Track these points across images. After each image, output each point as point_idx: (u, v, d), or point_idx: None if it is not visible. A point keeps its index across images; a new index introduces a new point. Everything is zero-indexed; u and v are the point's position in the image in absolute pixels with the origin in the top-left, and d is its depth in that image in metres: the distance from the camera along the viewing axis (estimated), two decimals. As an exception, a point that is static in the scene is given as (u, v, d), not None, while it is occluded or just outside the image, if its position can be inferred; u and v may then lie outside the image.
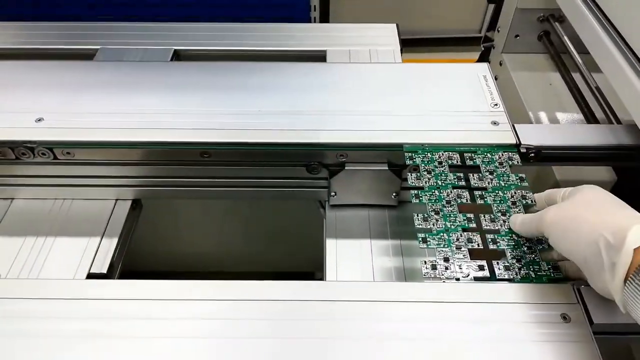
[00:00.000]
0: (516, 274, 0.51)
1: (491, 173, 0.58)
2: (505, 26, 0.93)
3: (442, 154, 0.59)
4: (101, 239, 0.65)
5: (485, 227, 0.54)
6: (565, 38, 0.84)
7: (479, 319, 0.48)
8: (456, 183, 0.57)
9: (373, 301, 0.50)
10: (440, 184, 0.57)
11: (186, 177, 0.66)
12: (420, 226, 0.54)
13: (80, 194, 0.68)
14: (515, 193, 0.57)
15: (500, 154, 0.60)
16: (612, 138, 0.64)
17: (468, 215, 0.55)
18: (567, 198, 0.50)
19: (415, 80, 0.70)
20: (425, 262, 0.52)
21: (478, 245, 0.53)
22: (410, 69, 0.72)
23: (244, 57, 0.86)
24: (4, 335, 0.49)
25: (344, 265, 0.61)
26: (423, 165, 0.58)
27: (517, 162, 0.59)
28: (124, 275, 0.65)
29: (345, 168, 0.62)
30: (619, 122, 0.72)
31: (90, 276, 0.61)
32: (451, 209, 0.55)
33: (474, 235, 0.53)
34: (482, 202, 0.56)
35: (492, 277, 0.51)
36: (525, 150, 0.60)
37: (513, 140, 0.60)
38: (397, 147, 0.60)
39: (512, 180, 0.57)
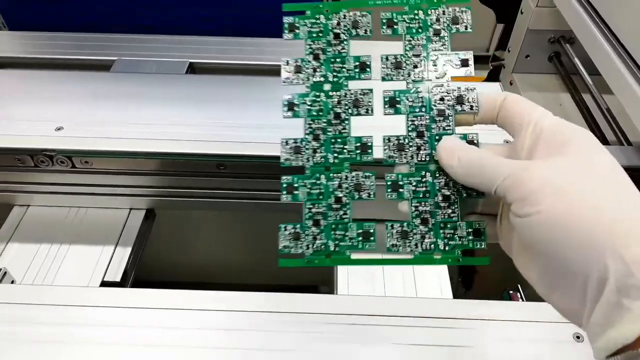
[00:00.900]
0: (415, 245, 0.35)
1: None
2: (516, 46, 0.94)
3: None
4: (115, 247, 0.66)
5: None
6: (576, 59, 0.85)
7: (490, 338, 0.48)
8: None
9: (386, 316, 0.50)
10: None
11: (201, 188, 0.67)
12: None
13: (95, 203, 0.69)
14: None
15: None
16: (623, 159, 0.64)
17: None
18: (554, 146, 0.30)
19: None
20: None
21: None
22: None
23: (259, 72, 0.87)
24: (17, 341, 0.50)
25: (354, 279, 0.61)
26: None
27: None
28: (135, 285, 0.66)
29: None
30: (629, 143, 0.72)
31: (104, 284, 0.62)
32: None
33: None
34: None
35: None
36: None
37: (526, 160, 0.61)
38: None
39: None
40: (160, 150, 0.62)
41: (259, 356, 0.49)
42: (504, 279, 0.59)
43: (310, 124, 0.36)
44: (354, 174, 0.35)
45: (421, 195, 0.35)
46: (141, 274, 0.68)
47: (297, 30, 0.37)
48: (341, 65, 0.36)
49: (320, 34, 0.37)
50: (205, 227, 0.89)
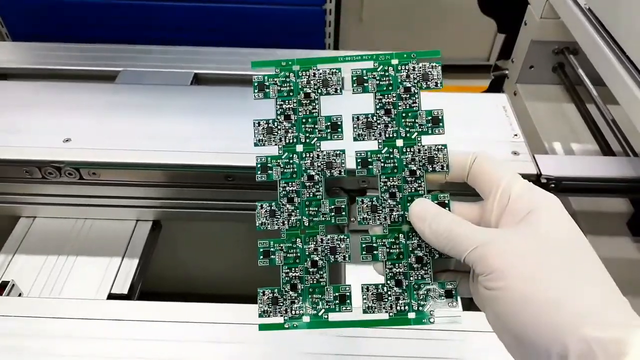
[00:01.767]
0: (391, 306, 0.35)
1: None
2: (519, 57, 0.95)
3: None
4: (122, 259, 0.65)
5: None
6: (580, 70, 0.86)
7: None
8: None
9: (395, 329, 0.50)
10: None
11: (208, 200, 0.67)
12: None
13: (102, 214, 0.69)
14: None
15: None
16: (630, 170, 0.64)
17: None
18: (519, 215, 0.31)
19: (435, 107, 0.71)
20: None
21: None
22: (429, 97, 0.74)
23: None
24: (25, 354, 0.50)
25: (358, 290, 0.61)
26: None
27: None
28: (141, 297, 0.65)
29: (367, 194, 0.62)
30: (635, 154, 0.72)
31: (111, 296, 0.62)
32: None
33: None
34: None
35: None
36: (545, 181, 0.61)
37: (534, 171, 0.61)
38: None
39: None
40: (168, 161, 0.62)
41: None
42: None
43: (284, 186, 0.36)
44: (329, 237, 0.36)
45: (395, 257, 0.35)
46: (146, 285, 0.67)
47: (267, 90, 0.37)
48: (313, 126, 0.37)
49: (291, 93, 0.37)
50: (210, 238, 0.88)
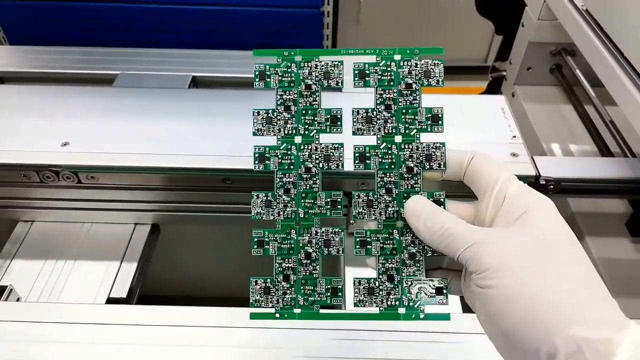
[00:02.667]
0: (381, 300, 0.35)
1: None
2: (517, 59, 0.95)
3: None
4: (121, 263, 0.65)
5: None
6: (578, 71, 0.86)
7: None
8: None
9: (395, 331, 0.50)
10: None
11: (206, 203, 0.67)
12: None
13: (100, 218, 0.69)
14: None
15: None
16: (628, 171, 0.64)
17: None
18: (514, 215, 0.32)
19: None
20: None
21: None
22: (428, 99, 0.74)
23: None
24: (23, 359, 0.49)
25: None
26: None
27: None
28: (139, 300, 0.65)
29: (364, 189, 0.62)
30: (633, 155, 0.72)
31: (110, 300, 0.61)
32: None
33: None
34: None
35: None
36: (544, 182, 0.61)
37: (533, 172, 0.61)
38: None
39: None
40: (166, 165, 0.62)
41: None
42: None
43: (281, 177, 0.36)
44: (323, 229, 0.36)
45: (388, 252, 0.35)
46: (144, 289, 0.67)
47: (267, 79, 0.37)
48: (312, 118, 0.36)
49: (292, 84, 0.37)
50: (210, 242, 0.88)
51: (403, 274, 0.35)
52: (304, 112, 0.37)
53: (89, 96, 0.73)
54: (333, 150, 0.36)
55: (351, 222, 0.65)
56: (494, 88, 1.10)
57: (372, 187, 0.36)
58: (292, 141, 0.36)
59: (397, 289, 0.35)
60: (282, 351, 0.50)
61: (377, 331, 0.51)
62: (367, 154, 0.36)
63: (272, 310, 0.35)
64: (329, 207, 0.36)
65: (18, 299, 0.59)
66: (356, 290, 0.35)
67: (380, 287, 0.35)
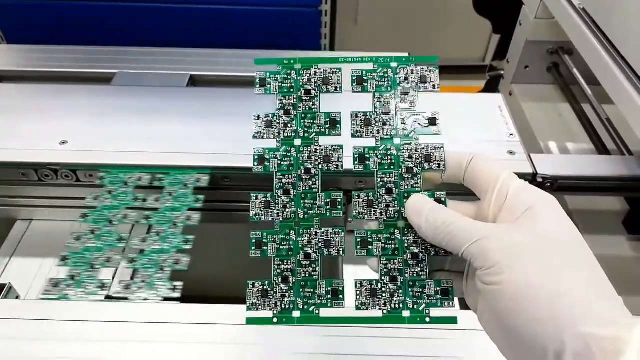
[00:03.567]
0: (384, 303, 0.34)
1: None
2: (514, 57, 0.95)
3: None
4: (119, 261, 0.65)
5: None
6: (575, 70, 0.86)
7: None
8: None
9: (395, 328, 0.50)
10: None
11: (204, 201, 0.67)
12: None
13: (99, 216, 0.69)
14: None
15: None
16: (625, 169, 0.65)
17: None
18: (518, 212, 0.31)
19: (431, 109, 0.71)
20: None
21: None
22: (425, 97, 0.74)
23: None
24: (22, 357, 0.50)
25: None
26: None
27: None
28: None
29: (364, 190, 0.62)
30: (630, 153, 0.73)
31: (109, 298, 0.61)
32: None
33: None
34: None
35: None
36: (541, 180, 0.61)
37: (530, 170, 0.61)
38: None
39: None
40: (164, 163, 0.62)
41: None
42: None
43: (280, 178, 0.36)
44: (323, 230, 0.35)
45: (390, 253, 0.35)
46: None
47: (268, 85, 0.38)
48: (312, 121, 0.37)
49: (292, 90, 0.37)
50: (209, 240, 0.88)
51: (406, 275, 0.34)
52: (303, 115, 0.37)
53: (87, 95, 0.73)
54: (332, 152, 0.36)
55: (349, 220, 0.65)
56: (491, 87, 1.10)
57: (371, 184, 0.36)
58: (292, 143, 0.36)
59: (400, 291, 0.34)
60: (280, 347, 0.50)
61: (373, 327, 0.52)
62: (367, 155, 0.36)
63: (270, 315, 0.34)
64: (328, 207, 0.35)
65: (17, 297, 0.59)
66: (358, 292, 0.34)
67: (383, 289, 0.34)
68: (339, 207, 0.36)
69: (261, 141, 0.36)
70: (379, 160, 0.36)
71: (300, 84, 0.37)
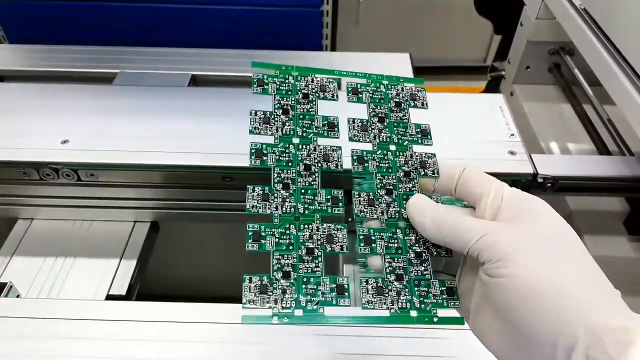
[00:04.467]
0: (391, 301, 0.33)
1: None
2: (516, 58, 0.95)
3: None
4: (120, 260, 0.65)
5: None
6: (576, 70, 0.86)
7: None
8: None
9: (396, 327, 0.50)
10: None
11: (206, 201, 0.67)
12: None
13: (100, 216, 0.69)
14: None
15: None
16: (626, 169, 0.65)
17: None
18: (516, 214, 0.32)
19: (433, 109, 0.71)
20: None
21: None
22: (427, 98, 0.74)
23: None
24: (23, 355, 0.50)
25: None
26: None
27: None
28: (138, 298, 0.65)
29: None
30: (631, 153, 0.73)
31: (109, 298, 0.62)
32: None
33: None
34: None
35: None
36: (542, 180, 0.61)
37: (530, 170, 0.61)
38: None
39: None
40: (166, 162, 0.62)
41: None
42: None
43: (279, 172, 0.35)
44: (325, 225, 0.34)
45: (393, 251, 0.34)
46: (143, 287, 0.67)
47: (266, 86, 0.38)
48: (310, 123, 0.37)
49: (289, 92, 0.38)
50: (210, 240, 0.88)
51: (411, 274, 0.33)
52: (301, 116, 0.37)
53: (88, 94, 0.73)
54: (332, 152, 0.36)
55: (349, 219, 0.65)
56: (492, 87, 1.10)
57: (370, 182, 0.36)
58: (290, 140, 0.36)
59: (406, 290, 0.33)
60: (281, 345, 0.50)
61: (374, 327, 0.52)
62: (365, 157, 0.36)
63: (270, 313, 0.31)
64: (329, 204, 0.35)
65: (18, 296, 0.59)
66: (364, 290, 0.32)
67: (390, 287, 0.33)
68: (340, 204, 0.35)
69: (258, 136, 0.36)
70: (377, 163, 0.36)
71: (298, 88, 0.38)
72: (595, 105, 0.80)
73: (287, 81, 0.38)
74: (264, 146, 0.36)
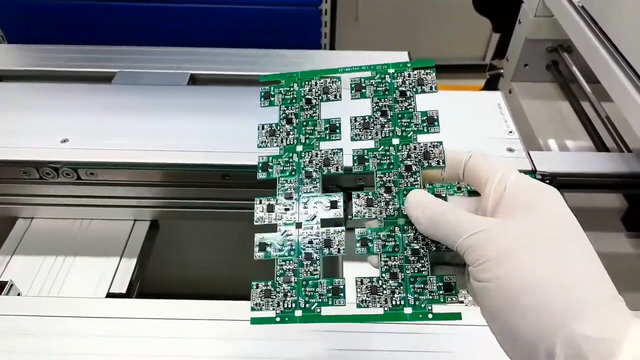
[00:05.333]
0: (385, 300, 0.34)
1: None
2: (514, 55, 0.95)
3: None
4: (120, 258, 0.66)
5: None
6: (574, 68, 0.86)
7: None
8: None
9: (397, 323, 0.51)
10: None
11: (205, 199, 0.67)
12: None
13: (99, 214, 0.69)
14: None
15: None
16: (624, 166, 0.65)
17: None
18: (516, 204, 0.30)
19: (432, 107, 0.71)
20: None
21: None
22: (425, 96, 0.74)
23: (259, 82, 0.88)
24: (24, 352, 0.50)
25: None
26: None
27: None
28: (139, 296, 0.66)
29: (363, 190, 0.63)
30: (629, 150, 0.73)
31: (110, 296, 0.62)
32: None
33: None
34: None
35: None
36: (540, 177, 0.61)
37: (529, 167, 0.61)
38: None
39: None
40: (165, 161, 0.62)
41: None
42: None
43: (283, 183, 0.38)
44: (324, 229, 0.36)
45: (390, 250, 0.35)
46: (143, 286, 0.68)
47: (272, 98, 0.40)
48: (313, 128, 0.39)
49: (294, 100, 0.40)
50: (210, 238, 0.89)
51: (407, 272, 0.34)
52: (304, 123, 0.39)
53: (88, 93, 0.74)
54: (332, 155, 0.38)
55: (349, 217, 0.65)
56: (491, 86, 1.10)
57: (371, 182, 0.36)
58: (294, 149, 0.38)
59: (401, 288, 0.34)
60: (283, 343, 0.50)
61: (374, 324, 0.52)
62: (366, 156, 0.37)
63: (273, 314, 0.35)
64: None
65: (19, 294, 0.59)
66: (358, 290, 0.34)
67: (384, 286, 0.34)
68: (339, 207, 0.37)
69: (265, 150, 0.39)
70: (378, 161, 0.37)
71: (302, 94, 0.40)
72: (593, 103, 0.80)
73: (292, 89, 0.40)
74: (270, 158, 0.38)
